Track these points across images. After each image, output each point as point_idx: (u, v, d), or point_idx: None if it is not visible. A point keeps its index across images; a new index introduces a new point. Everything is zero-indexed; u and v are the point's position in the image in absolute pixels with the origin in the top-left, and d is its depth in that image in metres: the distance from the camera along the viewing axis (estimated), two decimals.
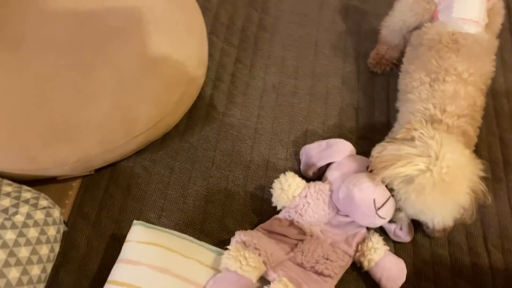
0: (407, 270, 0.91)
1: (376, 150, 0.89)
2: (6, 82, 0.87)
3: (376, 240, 0.91)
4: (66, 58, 0.91)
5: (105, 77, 0.90)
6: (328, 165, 0.99)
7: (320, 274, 0.87)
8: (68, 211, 0.93)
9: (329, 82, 1.21)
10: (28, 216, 0.78)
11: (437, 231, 0.97)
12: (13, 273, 0.73)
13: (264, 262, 0.82)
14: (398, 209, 0.90)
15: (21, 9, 0.95)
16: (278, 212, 0.94)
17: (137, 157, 1.01)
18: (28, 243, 0.76)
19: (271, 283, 0.79)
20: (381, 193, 0.88)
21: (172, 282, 0.77)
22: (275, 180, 0.94)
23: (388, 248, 0.92)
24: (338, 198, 0.91)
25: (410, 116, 0.96)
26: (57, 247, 0.82)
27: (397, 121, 1.05)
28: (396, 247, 0.97)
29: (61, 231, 0.84)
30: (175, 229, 0.93)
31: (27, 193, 0.82)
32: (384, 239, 0.93)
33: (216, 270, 0.82)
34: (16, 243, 0.75)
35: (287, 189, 0.92)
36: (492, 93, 1.23)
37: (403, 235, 0.96)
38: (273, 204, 0.93)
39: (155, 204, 0.97)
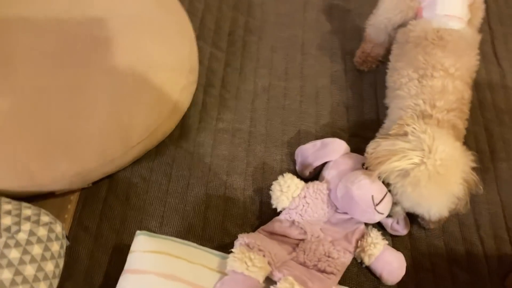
0: (406, 262, 0.94)
1: (371, 147, 0.92)
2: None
3: (375, 236, 0.94)
4: (58, 73, 0.90)
5: (98, 90, 0.90)
6: (323, 164, 1.01)
7: (323, 271, 0.89)
8: (69, 225, 0.92)
9: (318, 82, 1.23)
10: (31, 233, 0.78)
11: (432, 223, 1.00)
12: None
13: (269, 263, 0.84)
14: (394, 203, 0.93)
15: (7, 28, 0.94)
16: (277, 213, 0.96)
17: (134, 166, 1.01)
18: (33, 260, 0.76)
19: (277, 283, 0.81)
20: (379, 189, 0.90)
21: (180, 287, 0.78)
22: (274, 182, 0.95)
23: (387, 242, 0.94)
24: (337, 196, 0.93)
25: (401, 112, 0.98)
26: (61, 263, 0.82)
27: (387, 117, 1.07)
28: (394, 241, 1.00)
29: (64, 246, 0.84)
30: (177, 236, 0.94)
31: (28, 210, 0.81)
32: (382, 234, 0.95)
33: (222, 273, 0.83)
34: (21, 261, 0.75)
35: (287, 191, 0.93)
36: (475, 86, 1.27)
37: (400, 229, 0.99)
38: (273, 206, 0.95)
39: (155, 212, 0.97)
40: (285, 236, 0.93)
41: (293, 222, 0.93)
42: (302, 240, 0.93)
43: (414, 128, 0.88)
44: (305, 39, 1.31)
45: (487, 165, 1.14)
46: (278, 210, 0.95)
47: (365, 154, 0.93)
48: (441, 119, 0.93)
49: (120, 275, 0.80)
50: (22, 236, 0.77)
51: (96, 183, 0.97)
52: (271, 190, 0.95)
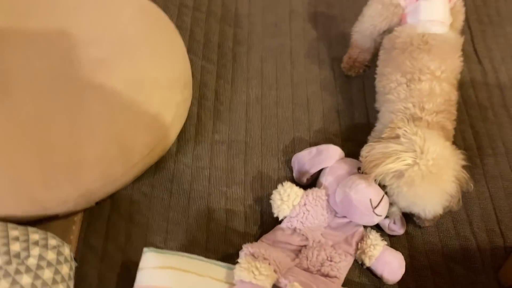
0: (405, 261, 0.97)
1: (365, 150, 0.95)
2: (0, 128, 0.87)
3: (374, 237, 0.97)
4: (55, 96, 0.91)
5: (96, 110, 0.91)
6: (320, 170, 1.04)
7: (327, 275, 0.92)
8: (75, 246, 0.93)
9: (308, 89, 1.26)
10: (41, 257, 0.79)
11: (427, 221, 1.04)
12: None
13: (275, 271, 0.86)
14: (391, 204, 0.96)
15: (2, 53, 0.94)
16: (278, 221, 0.98)
17: (135, 184, 1.03)
18: (44, 284, 0.77)
19: None
20: (376, 192, 0.93)
21: None
22: (274, 192, 0.98)
23: (386, 243, 0.97)
24: (336, 201, 0.96)
25: (391, 116, 1.02)
26: (71, 284, 0.83)
27: (378, 120, 1.11)
28: (392, 241, 1.03)
29: (73, 267, 0.85)
30: (182, 250, 0.96)
31: (35, 234, 0.82)
32: (381, 235, 0.99)
33: (230, 283, 0.85)
34: (33, 287, 0.76)
35: (287, 199, 0.96)
36: (459, 85, 1.31)
37: (397, 228, 1.02)
38: (275, 215, 0.97)
39: (159, 228, 0.99)
40: (288, 243, 0.96)
41: (294, 230, 0.96)
42: (304, 246, 0.96)
43: (405, 130, 0.91)
44: (293, 48, 1.34)
45: (475, 161, 1.18)
46: (280, 218, 0.97)
47: (360, 158, 0.97)
48: (430, 121, 0.97)
49: None
50: (32, 261, 0.78)
51: (99, 203, 0.99)
52: (271, 199, 0.98)
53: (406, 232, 1.04)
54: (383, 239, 0.98)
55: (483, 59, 1.41)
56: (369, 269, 0.98)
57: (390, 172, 0.88)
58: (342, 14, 1.43)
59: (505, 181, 1.17)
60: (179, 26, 1.31)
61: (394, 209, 0.97)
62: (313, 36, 1.37)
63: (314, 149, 1.05)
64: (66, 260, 0.83)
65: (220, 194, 1.05)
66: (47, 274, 0.78)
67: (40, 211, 0.88)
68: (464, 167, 0.93)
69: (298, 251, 0.96)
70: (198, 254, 0.91)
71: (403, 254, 0.98)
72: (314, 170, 1.03)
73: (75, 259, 0.89)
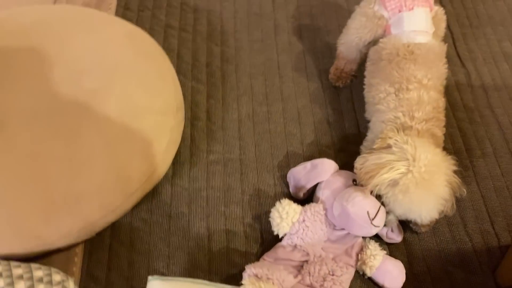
0: (405, 269, 0.99)
1: (359, 162, 0.97)
2: None
3: (374, 247, 0.99)
4: (51, 130, 0.91)
5: (92, 142, 0.92)
6: (316, 184, 1.06)
7: None
8: (78, 278, 0.94)
9: (298, 102, 1.28)
10: None
11: (423, 227, 1.06)
12: None
13: None
14: (387, 213, 0.98)
15: None
16: (278, 238, 1.00)
17: (134, 211, 1.03)
18: None
19: None
20: (373, 204, 0.95)
21: None
22: (272, 209, 0.99)
23: (385, 252, 0.99)
24: (334, 215, 0.98)
25: (382, 125, 1.04)
26: None
27: (369, 130, 1.13)
28: (391, 249, 1.05)
29: None
30: (185, 273, 0.96)
31: (38, 271, 0.82)
32: (380, 244, 1.00)
33: None
34: None
35: (286, 217, 0.97)
36: (445, 88, 1.35)
37: (395, 236, 1.04)
38: (275, 233, 0.99)
39: (161, 253, 0.99)
40: (289, 260, 0.97)
41: (295, 246, 0.97)
42: (306, 261, 0.97)
43: (396, 140, 0.94)
44: (280, 62, 1.35)
45: (465, 164, 1.21)
46: (280, 236, 0.99)
47: (355, 170, 0.99)
48: (420, 129, 1.00)
49: None
50: None
51: (99, 233, 0.99)
52: (270, 218, 0.99)
53: (404, 239, 1.06)
54: (382, 249, 1.00)
55: (466, 62, 1.44)
56: (370, 279, 0.99)
57: (386, 182, 0.90)
58: (326, 25, 1.45)
59: (495, 181, 1.20)
60: (167, 48, 1.32)
61: (390, 217, 0.99)
62: (299, 49, 1.39)
63: (308, 164, 1.07)
64: None
65: (219, 214, 1.06)
66: None
67: (42, 246, 0.88)
68: (455, 172, 0.96)
69: (300, 267, 0.97)
70: (202, 277, 0.92)
71: (402, 261, 1.00)
72: (310, 185, 1.05)
73: None
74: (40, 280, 0.80)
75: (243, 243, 1.03)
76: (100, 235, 0.99)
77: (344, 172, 1.07)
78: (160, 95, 1.04)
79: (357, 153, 1.17)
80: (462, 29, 1.53)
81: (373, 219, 0.94)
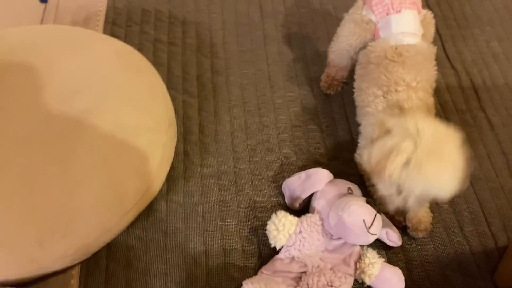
0: (404, 275, 0.99)
1: (365, 157, 0.94)
2: None
3: (372, 255, 0.99)
4: (43, 152, 0.91)
5: (86, 162, 0.91)
6: (311, 194, 1.05)
7: None
8: None
9: (290, 111, 1.28)
10: None
11: (420, 231, 1.06)
12: None
13: None
14: (406, 197, 0.92)
15: None
16: (275, 251, 0.99)
17: (129, 229, 1.02)
18: None
19: None
20: (369, 212, 0.95)
21: None
22: (269, 222, 0.99)
23: (383, 260, 0.99)
24: (330, 225, 0.98)
25: (372, 128, 1.03)
26: None
27: (360, 135, 1.13)
28: (389, 256, 1.05)
29: None
30: None
31: None
32: (378, 252, 1.00)
33: None
34: None
35: (282, 229, 0.97)
36: (435, 91, 1.35)
37: (396, 239, 1.03)
38: (272, 246, 0.98)
39: (158, 271, 0.99)
40: (287, 272, 0.96)
41: (293, 258, 0.97)
42: (304, 272, 0.97)
43: (393, 123, 0.91)
44: (271, 72, 1.35)
45: None
46: (277, 248, 0.98)
47: (362, 166, 0.97)
48: (413, 109, 0.98)
49: None
50: None
51: (95, 253, 0.98)
52: (267, 230, 0.99)
53: (402, 245, 1.06)
54: (380, 256, 0.99)
55: (455, 63, 1.45)
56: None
57: (398, 167, 0.87)
58: (315, 33, 1.45)
59: (490, 183, 1.20)
60: (156, 62, 1.31)
61: (411, 201, 0.93)
62: (289, 58, 1.39)
63: (303, 174, 1.07)
64: None
65: (215, 229, 1.06)
66: None
67: (38, 270, 0.87)
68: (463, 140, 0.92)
69: (298, 279, 0.97)
70: None
71: (400, 268, 1.00)
72: (305, 195, 1.04)
73: None
74: None
75: (240, 257, 1.02)
76: (96, 255, 0.98)
77: (338, 180, 1.07)
78: (151, 112, 1.04)
79: (351, 160, 1.18)
80: (450, 31, 1.54)
81: (369, 228, 0.94)
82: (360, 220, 0.94)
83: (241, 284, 0.91)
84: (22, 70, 1.02)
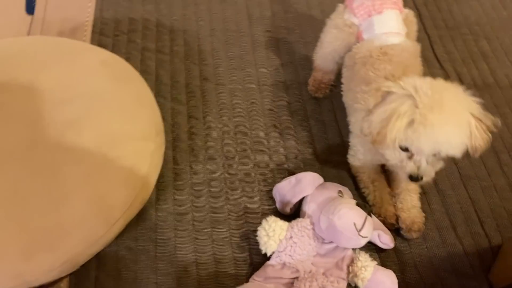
0: (397, 278, 0.98)
1: (365, 127, 0.92)
2: None
3: (364, 258, 0.98)
4: (28, 165, 0.90)
5: (71, 174, 0.90)
6: (302, 198, 1.04)
7: None
8: None
9: (280, 116, 1.28)
10: None
11: (414, 232, 1.06)
12: None
13: None
14: (417, 160, 0.89)
15: None
16: (267, 257, 0.98)
17: (119, 239, 1.01)
18: None
19: None
20: (359, 215, 0.94)
21: None
22: (259, 228, 0.98)
23: (376, 263, 0.98)
24: (321, 229, 0.97)
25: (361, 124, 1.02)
26: None
27: (351, 133, 1.12)
28: (382, 259, 1.04)
29: None
30: None
31: None
32: (370, 255, 0.99)
33: None
34: None
35: (273, 235, 0.96)
36: None
37: (389, 241, 1.03)
38: (263, 252, 0.97)
39: (149, 281, 0.98)
40: (279, 278, 0.95)
41: (284, 264, 0.96)
42: (296, 278, 0.95)
43: (387, 86, 0.90)
44: (260, 77, 1.35)
45: (450, 167, 1.21)
46: (268, 254, 0.97)
47: (365, 138, 0.94)
48: None
49: None
50: None
51: (83, 264, 0.97)
52: (257, 236, 0.98)
53: (395, 248, 1.05)
54: (373, 259, 0.98)
55: (444, 63, 1.45)
56: None
57: (401, 130, 0.86)
58: (303, 37, 1.45)
59: (482, 181, 1.20)
60: (144, 71, 1.31)
61: (423, 164, 0.90)
62: (277, 63, 1.39)
63: (293, 179, 1.06)
64: None
65: (206, 236, 1.04)
66: None
67: (24, 284, 0.86)
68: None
69: (290, 284, 0.96)
70: None
71: (394, 270, 0.99)
72: (296, 200, 1.04)
73: None
74: None
75: (232, 264, 1.01)
76: (85, 267, 0.97)
77: (329, 184, 1.06)
78: (138, 121, 1.03)
79: (342, 163, 1.18)
80: (438, 31, 1.54)
81: (360, 230, 0.93)
82: (350, 223, 0.93)
83: None
84: (7, 82, 1.02)
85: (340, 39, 1.14)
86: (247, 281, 0.97)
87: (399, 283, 0.98)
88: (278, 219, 0.98)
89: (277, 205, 1.09)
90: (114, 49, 1.36)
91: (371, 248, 1.04)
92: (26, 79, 1.02)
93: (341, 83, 1.16)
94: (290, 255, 0.96)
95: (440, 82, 0.89)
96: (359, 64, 1.06)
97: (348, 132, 1.15)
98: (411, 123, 0.85)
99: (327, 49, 1.17)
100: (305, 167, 1.18)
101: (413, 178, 0.91)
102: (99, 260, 0.98)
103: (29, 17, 1.43)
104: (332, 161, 1.19)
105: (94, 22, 1.42)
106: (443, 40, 1.52)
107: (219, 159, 1.18)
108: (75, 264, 0.91)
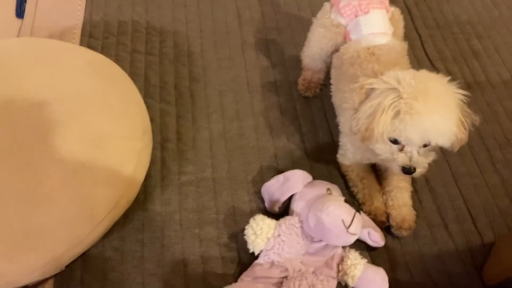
0: (388, 276, 0.96)
1: (353, 125, 0.92)
2: None
3: (354, 256, 0.96)
4: (10, 165, 0.89)
5: (55, 174, 0.90)
6: (291, 197, 1.03)
7: None
8: None
9: (270, 116, 1.27)
10: None
11: (405, 230, 1.04)
12: None
13: None
14: (408, 152, 0.88)
15: None
16: (255, 257, 0.97)
17: (105, 239, 1.00)
18: None
19: None
20: (347, 212, 0.93)
21: None
22: (246, 227, 0.97)
23: (366, 260, 0.97)
24: (310, 227, 0.96)
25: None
26: None
27: (341, 133, 1.11)
28: (373, 257, 1.02)
29: None
30: None
31: None
32: (360, 253, 0.98)
33: None
34: None
35: (260, 233, 0.95)
36: None
37: (379, 239, 1.01)
38: (250, 251, 0.96)
39: (135, 281, 0.96)
40: (268, 277, 0.94)
41: (272, 263, 0.94)
42: (285, 277, 0.94)
43: (370, 83, 0.90)
44: (249, 78, 1.34)
45: (442, 164, 1.20)
46: (256, 253, 0.96)
47: (353, 135, 0.94)
48: None
49: None
50: None
51: (69, 265, 0.95)
52: (245, 235, 0.97)
53: (385, 246, 1.04)
54: (363, 257, 0.97)
55: (436, 62, 1.45)
56: None
57: (387, 122, 0.85)
58: (293, 38, 1.45)
59: (474, 179, 1.18)
60: (133, 73, 1.30)
61: (415, 155, 0.89)
62: (267, 64, 1.38)
63: (281, 177, 1.05)
64: None
65: (194, 236, 1.03)
66: None
67: (7, 285, 0.85)
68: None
69: (280, 284, 0.94)
70: None
71: (384, 268, 0.97)
72: (284, 198, 1.02)
73: None
74: None
75: (220, 264, 1.00)
76: (70, 267, 0.96)
77: (318, 182, 1.05)
78: (124, 120, 1.02)
79: (332, 162, 1.17)
80: (429, 31, 1.53)
81: (348, 227, 0.92)
82: (338, 220, 0.92)
83: None
84: None
85: (327, 38, 1.13)
86: (235, 281, 0.96)
87: (389, 281, 0.96)
88: (265, 217, 0.97)
89: (266, 204, 1.08)
90: (103, 52, 1.35)
91: (361, 246, 1.03)
92: (11, 79, 1.02)
93: (330, 84, 1.15)
94: (278, 253, 0.94)
95: (423, 72, 0.89)
96: (347, 65, 1.06)
97: (338, 131, 1.14)
98: (397, 114, 0.84)
99: (314, 48, 1.17)
100: (295, 166, 1.16)
101: (406, 170, 0.90)
102: (84, 261, 0.97)
103: (18, 21, 1.44)
104: (323, 160, 1.18)
105: (83, 25, 1.42)
106: (434, 39, 1.51)
107: (207, 159, 1.17)
108: (59, 264, 0.90)
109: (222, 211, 1.08)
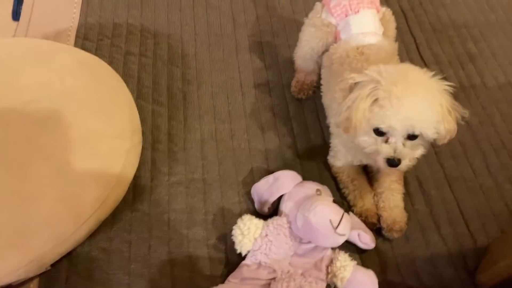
0: (377, 278, 0.95)
1: (339, 121, 0.91)
2: None
3: (343, 258, 0.95)
4: None
5: (41, 172, 0.89)
6: (280, 198, 1.02)
7: None
8: None
9: (262, 118, 1.26)
10: None
11: (395, 232, 1.03)
12: None
13: None
14: (393, 142, 0.87)
15: None
16: (243, 257, 0.96)
17: (92, 239, 0.99)
18: None
19: None
20: (335, 212, 0.92)
21: None
22: (234, 227, 0.96)
23: (355, 262, 0.95)
24: (298, 227, 0.94)
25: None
26: None
27: (331, 135, 1.11)
28: (363, 259, 1.01)
29: None
30: None
31: None
32: (350, 255, 0.96)
33: None
34: None
35: (247, 233, 0.94)
36: None
37: (369, 241, 1.00)
38: (238, 251, 0.95)
39: (121, 282, 0.95)
40: (256, 279, 0.92)
41: (260, 264, 0.93)
42: (274, 279, 0.93)
43: (352, 77, 0.89)
44: (242, 80, 1.34)
45: (435, 167, 1.18)
46: (243, 254, 0.95)
47: (337, 128, 0.94)
48: None
49: None
50: None
51: (54, 265, 0.94)
52: (232, 235, 0.95)
53: (376, 248, 1.02)
54: (352, 259, 0.95)
55: (431, 66, 1.44)
56: None
57: (366, 110, 0.84)
58: (286, 41, 1.45)
59: (467, 182, 1.17)
60: (126, 74, 1.30)
61: (399, 145, 0.86)
62: (261, 66, 1.38)
63: (271, 177, 1.04)
64: None
65: (182, 237, 1.02)
66: None
67: None
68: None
69: (268, 285, 0.93)
70: None
71: (374, 271, 0.96)
72: (273, 198, 1.01)
73: None
74: None
75: (207, 265, 0.99)
76: (56, 267, 0.95)
77: (307, 182, 1.04)
78: (113, 119, 1.02)
79: (324, 163, 1.16)
80: (425, 34, 1.53)
81: (336, 227, 0.91)
82: (326, 220, 0.91)
83: None
84: None
85: (318, 38, 1.13)
86: (222, 282, 0.94)
87: (380, 284, 0.95)
88: (253, 217, 0.96)
89: (256, 205, 1.07)
90: (97, 53, 1.35)
91: (351, 248, 1.01)
92: (2, 77, 1.02)
93: (321, 84, 1.15)
94: (265, 254, 0.93)
95: (406, 65, 0.89)
96: (336, 64, 1.05)
97: (330, 132, 1.13)
98: (376, 101, 0.83)
99: (305, 48, 1.16)
100: (286, 168, 1.14)
101: (391, 162, 0.88)
102: (70, 261, 0.96)
103: (14, 24, 1.44)
104: (314, 162, 1.18)
105: (78, 27, 1.42)
106: (430, 42, 1.51)
107: (198, 160, 1.16)
108: (43, 263, 0.89)
109: (211, 212, 1.07)
